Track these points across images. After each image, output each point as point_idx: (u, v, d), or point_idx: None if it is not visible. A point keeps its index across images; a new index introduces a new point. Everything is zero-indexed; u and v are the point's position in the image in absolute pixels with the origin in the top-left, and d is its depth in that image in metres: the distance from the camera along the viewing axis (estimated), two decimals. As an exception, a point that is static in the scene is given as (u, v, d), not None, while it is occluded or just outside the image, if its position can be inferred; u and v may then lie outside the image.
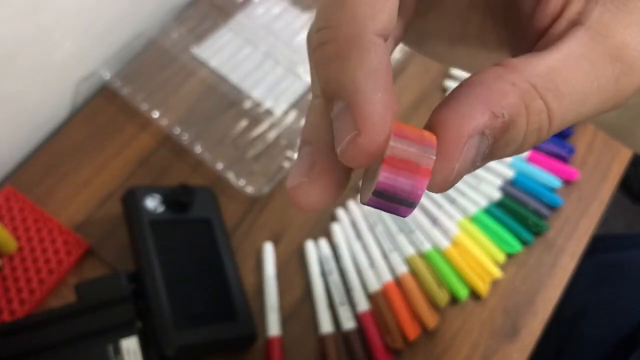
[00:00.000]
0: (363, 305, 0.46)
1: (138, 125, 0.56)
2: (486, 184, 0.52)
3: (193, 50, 0.60)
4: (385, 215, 0.50)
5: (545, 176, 0.52)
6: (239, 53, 0.60)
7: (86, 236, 0.50)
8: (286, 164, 0.53)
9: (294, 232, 0.51)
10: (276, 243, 0.50)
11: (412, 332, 0.45)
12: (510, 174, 0.52)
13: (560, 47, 0.15)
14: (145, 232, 0.44)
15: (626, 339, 0.53)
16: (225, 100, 0.57)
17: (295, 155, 0.53)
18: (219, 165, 0.53)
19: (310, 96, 0.21)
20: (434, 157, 0.14)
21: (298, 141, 0.53)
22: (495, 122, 0.14)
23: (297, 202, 0.16)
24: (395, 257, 0.48)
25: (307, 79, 0.58)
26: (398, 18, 0.18)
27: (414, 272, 0.48)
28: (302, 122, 0.55)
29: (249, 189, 0.51)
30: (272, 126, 0.56)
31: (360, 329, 0.46)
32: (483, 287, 0.47)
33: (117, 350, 0.39)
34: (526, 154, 0.54)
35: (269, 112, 0.56)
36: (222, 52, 0.60)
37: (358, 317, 0.46)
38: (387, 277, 0.48)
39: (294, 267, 0.49)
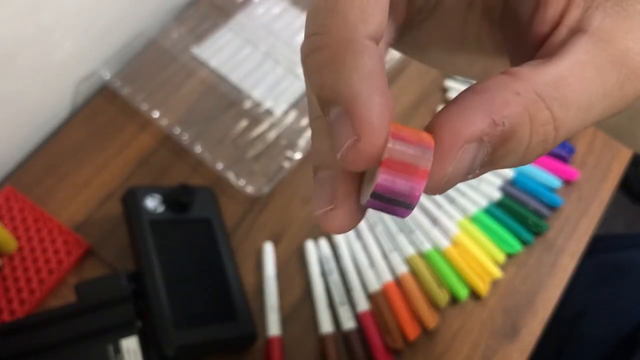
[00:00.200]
0: (363, 305, 0.47)
1: (138, 125, 0.56)
2: (486, 183, 0.52)
3: (193, 50, 0.60)
4: (385, 216, 0.50)
5: (545, 176, 0.52)
6: (239, 53, 0.60)
7: (86, 236, 0.50)
8: (286, 164, 0.53)
9: (294, 232, 0.51)
10: (276, 243, 0.50)
11: (412, 332, 0.45)
12: (510, 174, 0.52)
13: (566, 55, 0.15)
14: (145, 232, 0.44)
15: (626, 339, 0.53)
16: (225, 100, 0.57)
17: (295, 156, 0.53)
18: (219, 165, 0.53)
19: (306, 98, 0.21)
20: (432, 159, 0.14)
21: (298, 142, 0.54)
22: (494, 130, 0.14)
23: (328, 229, 0.16)
24: (395, 257, 0.48)
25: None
26: (389, 22, 0.17)
27: (414, 272, 0.48)
28: (302, 122, 0.55)
29: (249, 189, 0.51)
30: (272, 126, 0.56)
31: (360, 329, 0.46)
32: (483, 287, 0.47)
33: (117, 350, 0.39)
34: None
35: (269, 112, 0.56)
36: (222, 52, 0.60)
37: (358, 317, 0.46)
38: (387, 277, 0.48)
39: (294, 267, 0.49)
